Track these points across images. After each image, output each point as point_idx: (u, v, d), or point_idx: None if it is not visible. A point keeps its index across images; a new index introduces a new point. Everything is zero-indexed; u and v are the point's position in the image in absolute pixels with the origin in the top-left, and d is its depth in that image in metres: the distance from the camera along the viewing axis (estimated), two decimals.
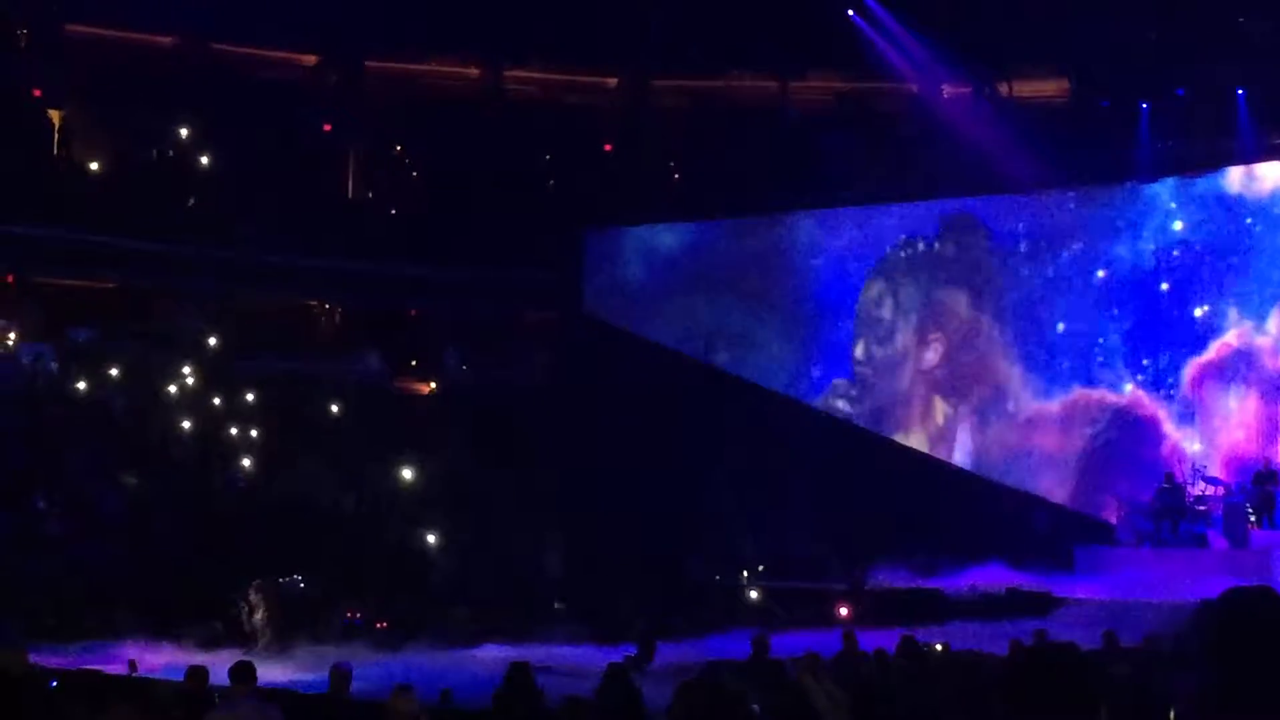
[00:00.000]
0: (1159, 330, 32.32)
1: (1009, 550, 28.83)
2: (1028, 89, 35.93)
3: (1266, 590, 4.04)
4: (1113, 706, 4.24)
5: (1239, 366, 31.36)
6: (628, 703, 14.94)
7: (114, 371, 31.99)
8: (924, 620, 22.81)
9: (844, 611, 25.68)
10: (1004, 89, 35.77)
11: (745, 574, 30.17)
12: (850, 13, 34.39)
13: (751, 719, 11.17)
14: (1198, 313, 31.95)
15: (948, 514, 30.48)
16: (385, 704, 11.60)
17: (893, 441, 34.23)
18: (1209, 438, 31.47)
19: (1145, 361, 32.32)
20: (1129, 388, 32.45)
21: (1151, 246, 32.42)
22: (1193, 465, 30.08)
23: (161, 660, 20.45)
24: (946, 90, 35.95)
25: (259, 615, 24.71)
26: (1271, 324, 31.25)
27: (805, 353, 35.35)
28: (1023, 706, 4.14)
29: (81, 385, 31.32)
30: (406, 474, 31.51)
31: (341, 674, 12.42)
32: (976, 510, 31.14)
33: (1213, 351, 31.67)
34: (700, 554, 30.78)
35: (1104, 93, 33.30)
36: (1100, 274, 32.89)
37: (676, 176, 38.05)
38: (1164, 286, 32.28)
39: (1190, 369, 31.90)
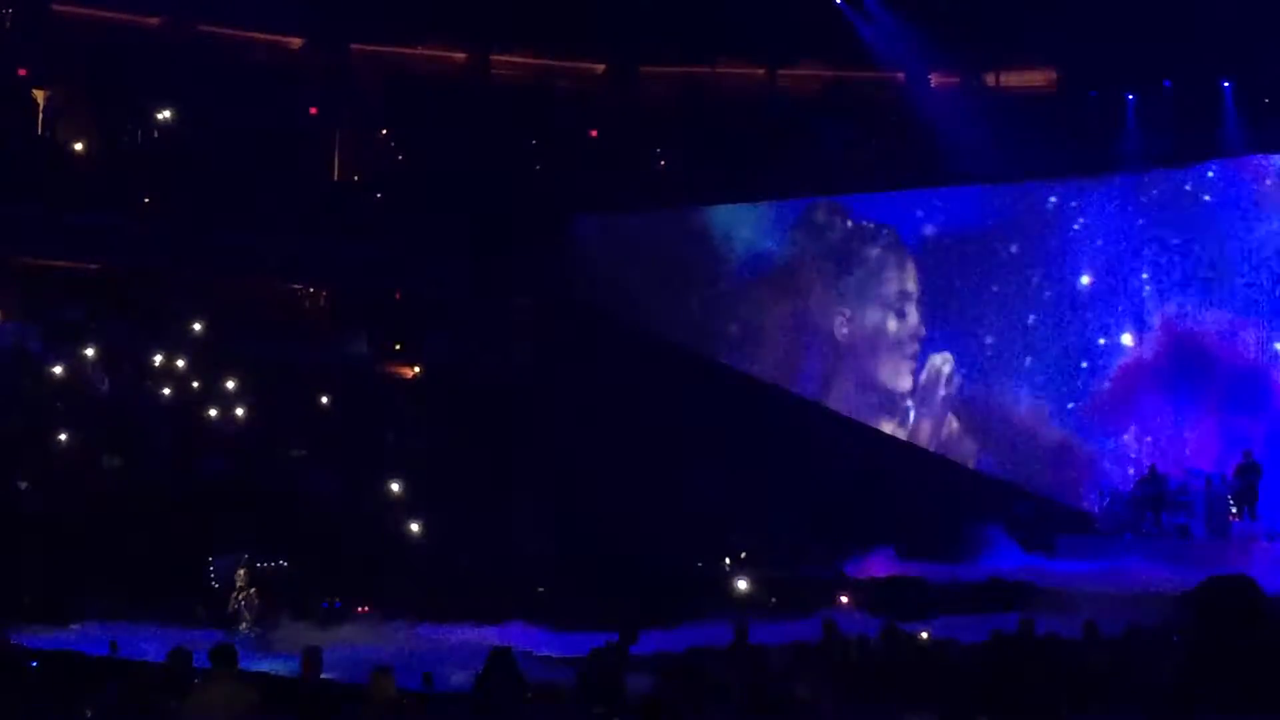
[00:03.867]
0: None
1: (990, 538, 28.93)
2: (1015, 79, 35.91)
3: (1244, 580, 4.06)
4: (1094, 696, 4.27)
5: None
6: (610, 688, 14.98)
7: (97, 353, 31.85)
8: (906, 609, 22.86)
9: (844, 600, 25.84)
10: (991, 79, 35.76)
11: (727, 561, 30.20)
12: (838, 1, 34.37)
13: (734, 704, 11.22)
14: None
15: (929, 502, 30.52)
16: (366, 686, 11.63)
17: (876, 430, 34.28)
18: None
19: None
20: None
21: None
22: (1174, 458, 30.19)
23: (142, 642, 20.40)
24: (934, 80, 35.94)
25: (243, 596, 24.62)
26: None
27: (791, 341, 35.36)
28: (1007, 697, 4.17)
29: (64, 366, 31.18)
30: (390, 458, 31.48)
31: (312, 656, 12.39)
32: (957, 498, 31.17)
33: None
34: (683, 541, 30.78)
35: (1092, 83, 33.29)
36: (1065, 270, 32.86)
37: (663, 163, 38.00)
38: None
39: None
